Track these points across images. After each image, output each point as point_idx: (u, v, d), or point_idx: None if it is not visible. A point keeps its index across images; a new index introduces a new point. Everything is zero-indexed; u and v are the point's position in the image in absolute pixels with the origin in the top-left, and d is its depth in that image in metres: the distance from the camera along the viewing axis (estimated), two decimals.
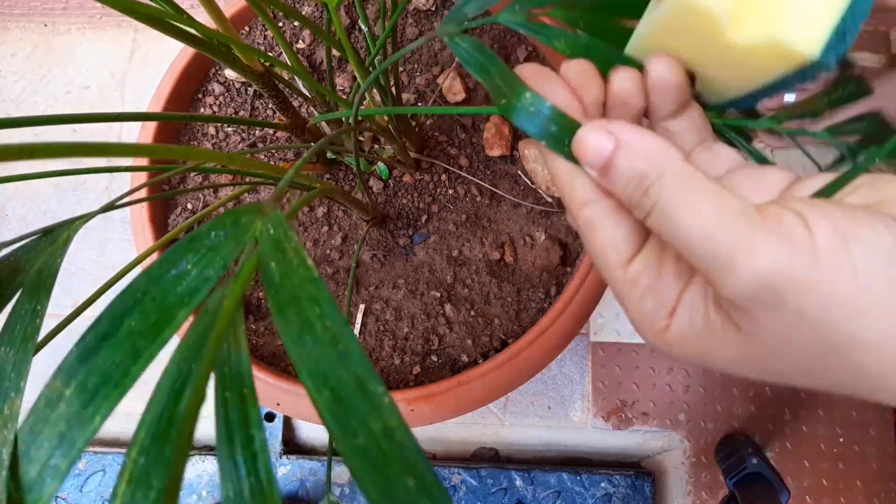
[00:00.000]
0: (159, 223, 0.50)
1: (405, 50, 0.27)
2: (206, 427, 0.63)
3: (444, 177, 0.50)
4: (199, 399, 0.15)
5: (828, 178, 0.20)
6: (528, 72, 0.22)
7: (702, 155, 0.23)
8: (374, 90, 0.42)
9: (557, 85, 0.22)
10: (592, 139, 0.20)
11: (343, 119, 0.43)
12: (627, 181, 0.19)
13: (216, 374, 0.15)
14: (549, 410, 0.63)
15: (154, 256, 0.43)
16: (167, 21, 0.24)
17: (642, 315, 0.21)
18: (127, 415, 0.64)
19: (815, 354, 0.18)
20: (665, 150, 0.19)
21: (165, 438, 0.15)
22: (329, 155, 0.49)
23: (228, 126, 0.53)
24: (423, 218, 0.49)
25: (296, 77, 0.49)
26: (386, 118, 0.43)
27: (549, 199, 0.49)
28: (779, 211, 0.18)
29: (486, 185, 0.49)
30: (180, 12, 0.29)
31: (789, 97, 0.42)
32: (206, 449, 0.64)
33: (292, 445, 0.65)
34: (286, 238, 0.17)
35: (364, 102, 0.36)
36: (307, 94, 0.40)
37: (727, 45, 0.19)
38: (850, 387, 0.18)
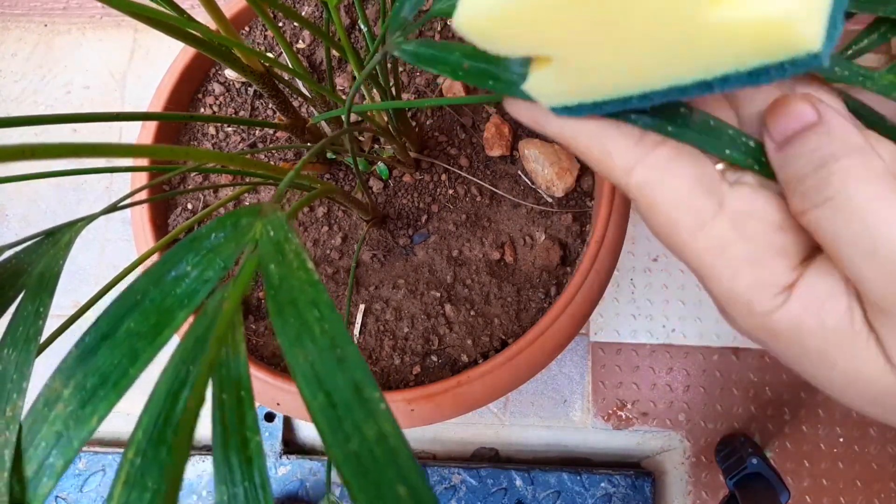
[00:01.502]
0: (160, 223, 0.50)
1: (368, 68, 0.27)
2: (206, 427, 0.63)
3: (444, 177, 0.50)
4: (199, 400, 0.15)
5: None
6: None
7: None
8: (374, 91, 0.42)
9: None
10: (795, 105, 0.17)
11: (343, 118, 0.43)
12: (808, 161, 0.16)
13: (214, 377, 0.15)
14: (549, 410, 0.63)
15: (155, 257, 0.43)
16: (167, 22, 0.24)
17: (736, 294, 0.17)
18: (127, 415, 0.64)
19: None
20: (866, 148, 0.16)
21: (162, 440, 0.15)
22: (329, 155, 0.49)
23: (228, 126, 0.53)
24: (423, 218, 0.49)
25: (296, 77, 0.49)
26: (386, 118, 0.43)
27: (549, 200, 0.49)
28: None
29: (486, 185, 0.49)
30: (180, 12, 0.29)
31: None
32: (206, 449, 0.64)
33: (292, 445, 0.65)
34: (286, 240, 0.17)
35: (363, 103, 0.36)
36: (307, 94, 0.40)
37: (686, 19, 0.14)
38: None
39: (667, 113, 0.18)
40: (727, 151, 0.18)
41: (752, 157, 0.18)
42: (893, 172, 0.16)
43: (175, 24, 0.25)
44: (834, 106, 0.18)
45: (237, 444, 0.14)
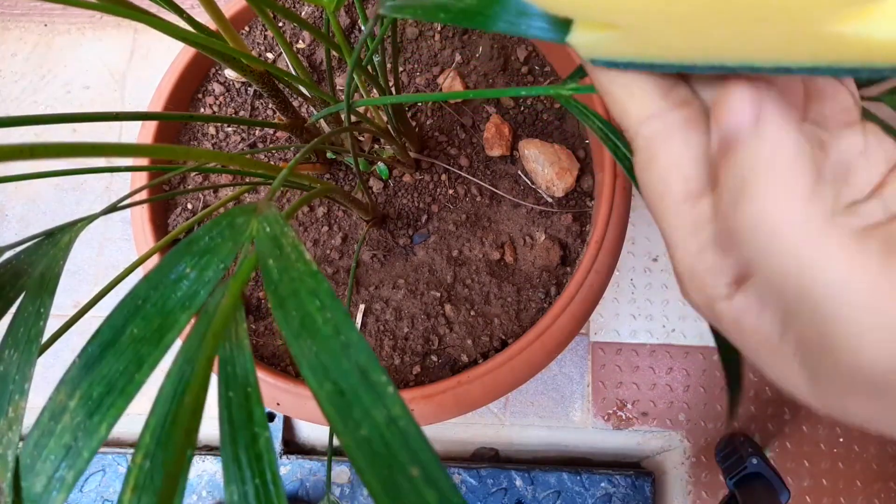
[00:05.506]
0: (159, 223, 0.50)
1: (363, 37, 0.27)
2: (206, 427, 0.64)
3: (444, 177, 0.50)
4: (201, 390, 0.14)
5: None
6: None
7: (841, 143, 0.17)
8: (374, 90, 0.42)
9: None
10: (735, 101, 0.15)
11: (342, 116, 0.43)
12: (735, 175, 0.15)
13: (220, 375, 0.15)
14: (549, 410, 0.63)
15: (155, 258, 0.43)
16: (167, 23, 0.24)
17: (693, 272, 0.17)
18: (126, 415, 0.64)
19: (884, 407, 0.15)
20: (799, 171, 0.14)
21: (170, 442, 0.15)
22: (329, 155, 0.49)
23: (228, 126, 0.53)
24: (423, 218, 0.49)
25: (295, 83, 0.49)
26: (385, 119, 0.43)
27: (549, 200, 0.49)
28: None
29: (486, 185, 0.49)
30: (180, 12, 0.29)
31: None
32: (206, 449, 0.64)
33: (292, 445, 0.65)
34: (282, 234, 0.17)
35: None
36: (307, 93, 0.40)
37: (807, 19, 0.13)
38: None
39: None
40: None
41: None
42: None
43: (174, 28, 0.25)
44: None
45: (246, 442, 0.14)
